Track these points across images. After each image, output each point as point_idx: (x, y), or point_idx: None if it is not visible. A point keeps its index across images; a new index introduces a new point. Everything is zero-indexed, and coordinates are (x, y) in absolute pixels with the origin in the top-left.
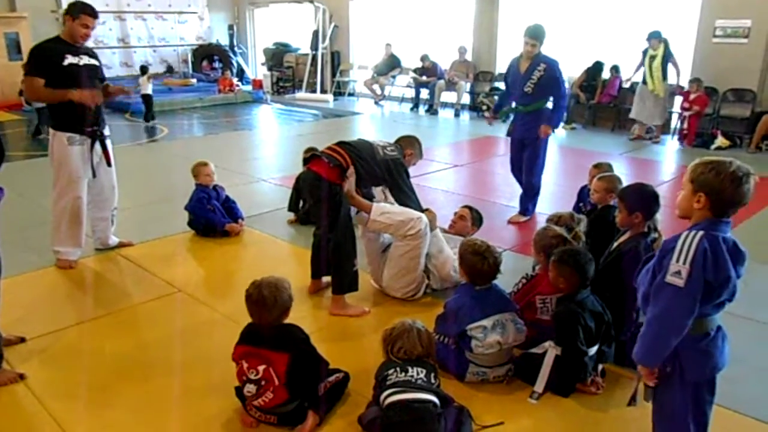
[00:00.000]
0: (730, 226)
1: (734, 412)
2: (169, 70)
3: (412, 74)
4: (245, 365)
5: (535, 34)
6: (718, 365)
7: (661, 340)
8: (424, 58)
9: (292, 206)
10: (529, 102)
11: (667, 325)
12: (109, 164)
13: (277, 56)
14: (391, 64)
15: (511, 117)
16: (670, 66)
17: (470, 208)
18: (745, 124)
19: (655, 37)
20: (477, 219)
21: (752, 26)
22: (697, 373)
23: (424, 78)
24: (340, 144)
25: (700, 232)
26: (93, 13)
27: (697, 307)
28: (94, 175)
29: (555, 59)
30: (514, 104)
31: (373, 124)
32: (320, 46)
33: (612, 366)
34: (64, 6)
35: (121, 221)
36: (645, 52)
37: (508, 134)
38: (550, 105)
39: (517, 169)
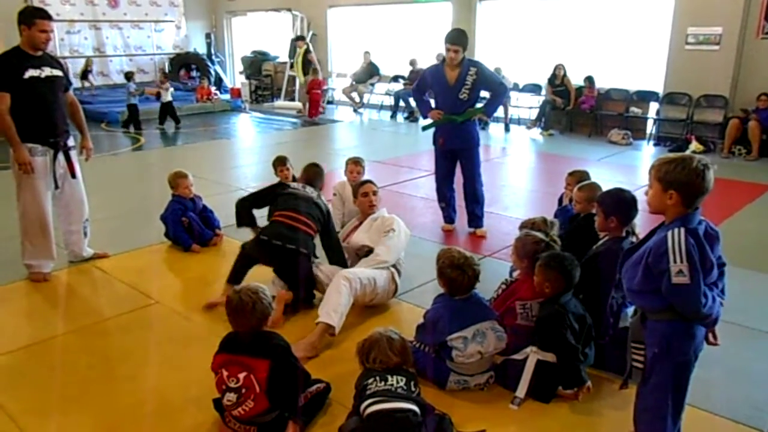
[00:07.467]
0: (700, 212)
1: (708, 412)
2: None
3: (403, 81)
4: (225, 374)
5: (459, 41)
6: (699, 347)
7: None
8: (413, 63)
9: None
10: (464, 109)
11: (697, 311)
12: (73, 176)
13: (255, 65)
14: (370, 72)
15: (433, 128)
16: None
17: (369, 180)
18: (718, 129)
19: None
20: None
21: (723, 33)
22: (681, 353)
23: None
24: (301, 213)
25: (682, 229)
26: (47, 16)
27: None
28: (57, 187)
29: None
30: (441, 115)
31: (351, 131)
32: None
33: (591, 369)
34: None
35: (97, 232)
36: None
37: (437, 145)
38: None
39: (447, 184)
